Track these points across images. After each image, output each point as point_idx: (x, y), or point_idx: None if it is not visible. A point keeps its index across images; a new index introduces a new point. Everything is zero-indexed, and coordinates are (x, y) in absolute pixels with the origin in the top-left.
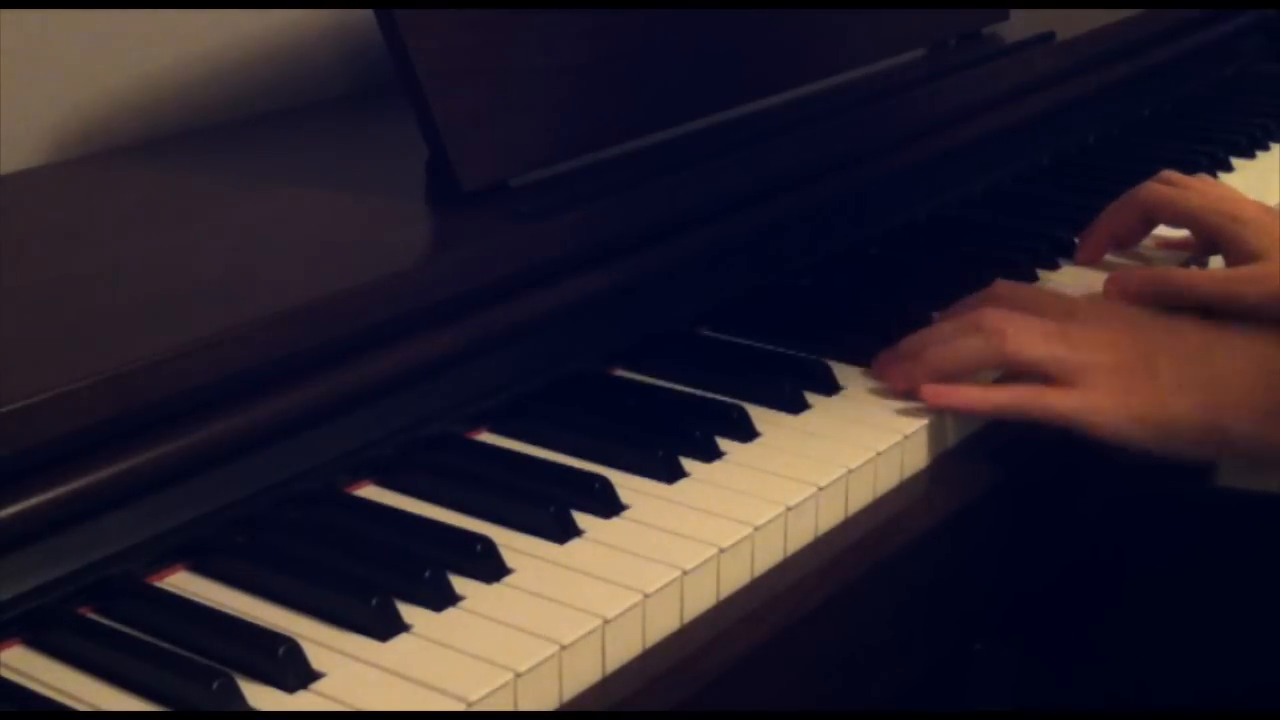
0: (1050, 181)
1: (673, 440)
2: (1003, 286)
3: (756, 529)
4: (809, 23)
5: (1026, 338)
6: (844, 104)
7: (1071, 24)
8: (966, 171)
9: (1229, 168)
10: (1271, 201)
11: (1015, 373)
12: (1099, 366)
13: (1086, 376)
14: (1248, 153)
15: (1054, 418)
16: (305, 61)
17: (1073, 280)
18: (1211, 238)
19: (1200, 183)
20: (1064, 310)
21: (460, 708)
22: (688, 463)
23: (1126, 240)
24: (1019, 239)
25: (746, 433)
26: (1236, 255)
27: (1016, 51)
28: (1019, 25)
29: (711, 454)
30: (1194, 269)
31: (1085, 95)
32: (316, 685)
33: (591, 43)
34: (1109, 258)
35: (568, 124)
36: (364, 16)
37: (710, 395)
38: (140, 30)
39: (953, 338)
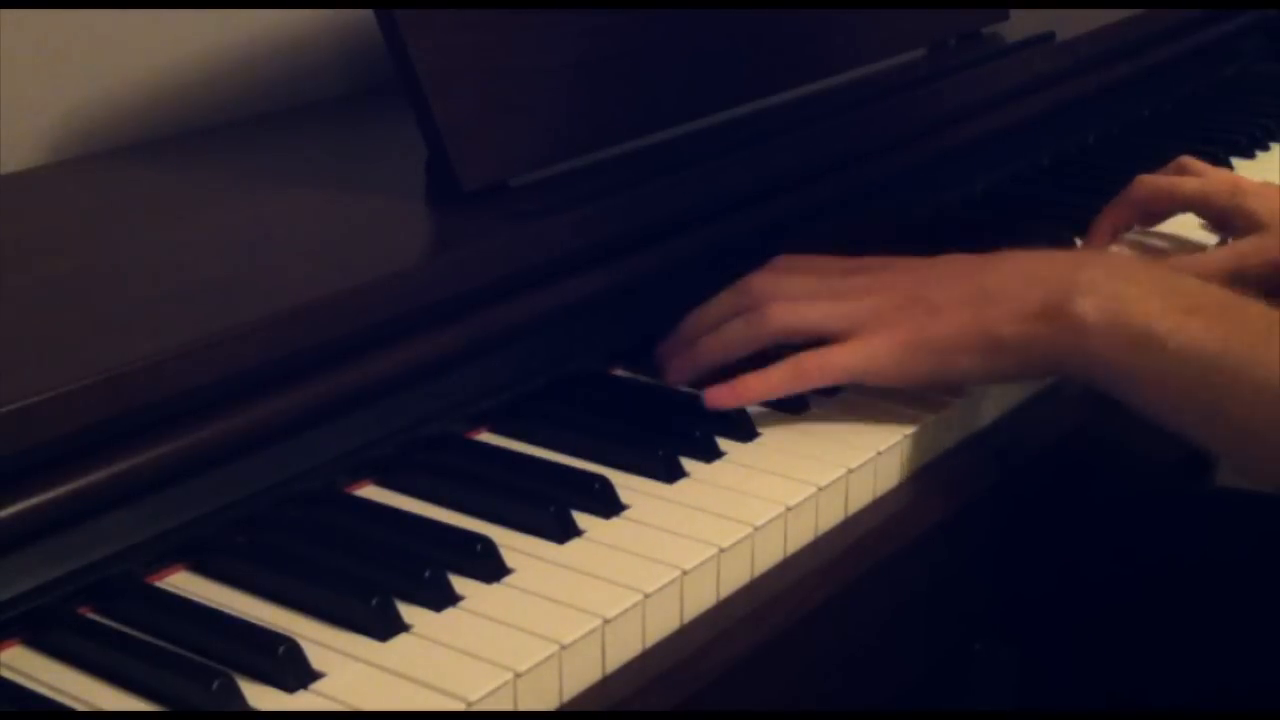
0: (1050, 181)
1: (673, 440)
2: (782, 258)
3: (756, 529)
4: (809, 23)
5: (790, 307)
6: (844, 104)
7: (1071, 24)
8: (966, 171)
9: (1229, 168)
10: None
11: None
12: (869, 311)
13: (860, 324)
14: (1248, 153)
15: (836, 375)
16: (305, 61)
17: None
18: (1216, 216)
19: (1198, 166)
20: (840, 269)
21: (460, 708)
22: (688, 463)
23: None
24: (1019, 239)
25: (746, 433)
26: (1242, 228)
27: (1016, 51)
28: (1019, 25)
29: (711, 454)
30: (1199, 254)
31: (1085, 95)
32: (316, 685)
33: (591, 43)
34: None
35: (568, 124)
36: (364, 16)
37: None
38: (140, 30)
39: (721, 319)
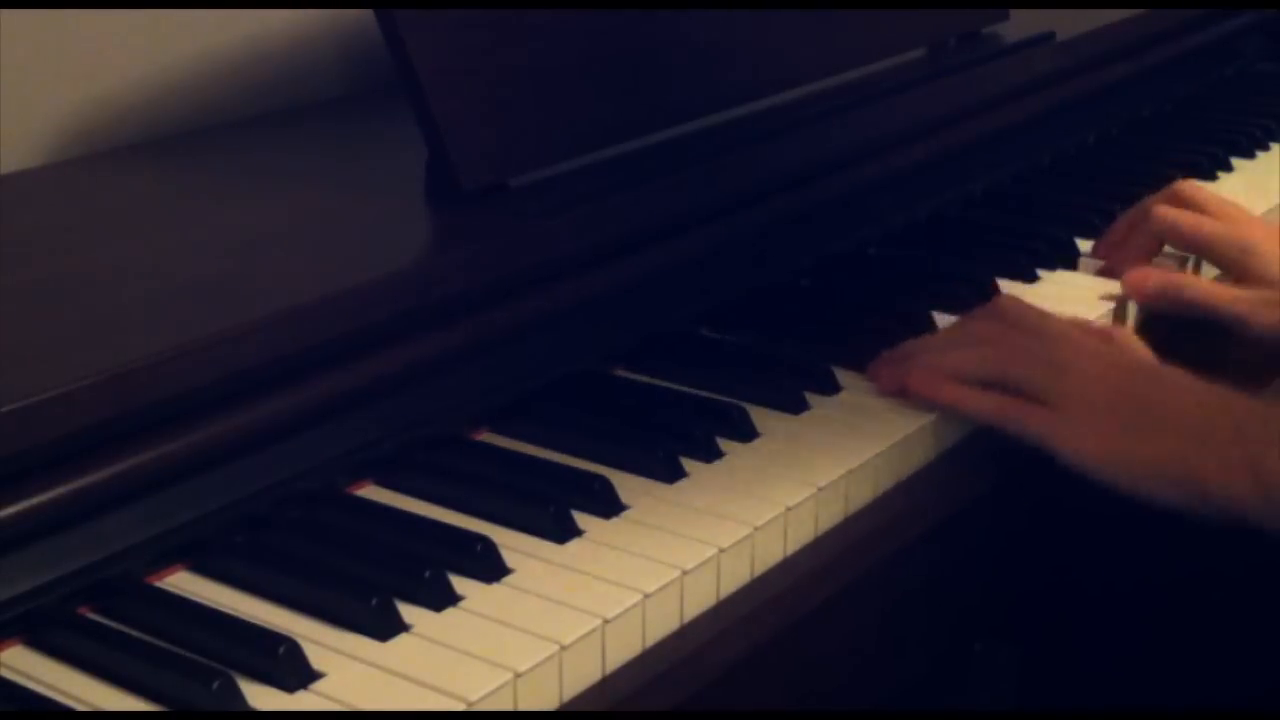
0: (1050, 181)
1: (673, 440)
2: (1007, 300)
3: (756, 529)
4: (809, 23)
5: (1015, 354)
6: (844, 104)
7: (1071, 24)
8: (966, 171)
9: (1229, 168)
10: (1271, 202)
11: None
12: (1081, 396)
13: (1068, 403)
14: (1248, 153)
15: (1028, 435)
16: (305, 61)
17: (1073, 280)
18: (1223, 267)
19: (1211, 200)
20: (1060, 333)
21: (460, 708)
22: (688, 463)
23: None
24: (1019, 239)
25: (746, 433)
26: (1247, 280)
27: (1016, 51)
28: (1019, 25)
29: (711, 454)
30: (1214, 283)
31: (1085, 95)
32: (316, 685)
33: (591, 43)
34: None
35: (568, 124)
36: (364, 16)
37: (710, 395)
38: (140, 30)
39: (945, 347)
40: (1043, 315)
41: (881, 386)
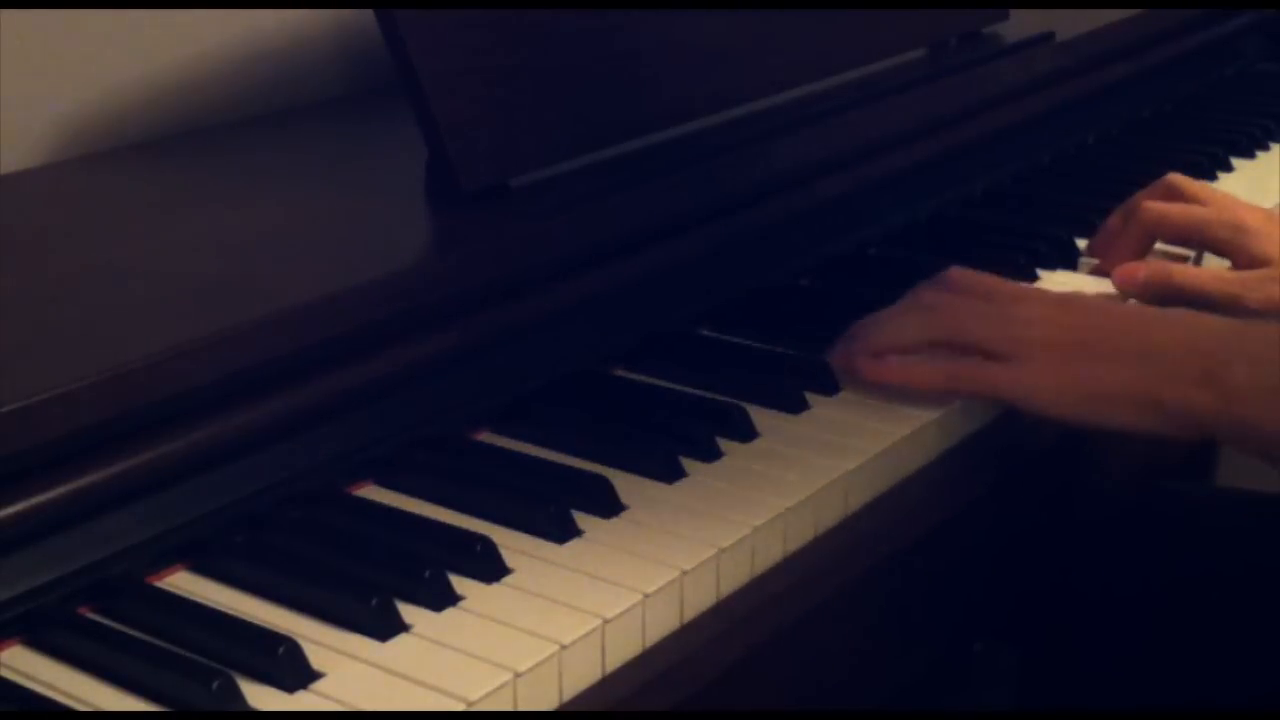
0: (1050, 181)
1: (673, 440)
2: (954, 271)
3: (756, 529)
4: (810, 23)
5: (963, 314)
6: (844, 104)
7: (1071, 24)
8: (966, 171)
9: (1229, 168)
10: (1271, 202)
11: (956, 351)
12: (1034, 342)
13: (1022, 352)
14: (1248, 153)
15: (988, 393)
16: (305, 61)
17: (1072, 280)
18: (1217, 250)
19: (1202, 191)
20: (1010, 295)
21: (460, 708)
22: (688, 463)
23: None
24: (1019, 239)
25: (746, 433)
26: (1242, 263)
27: (1016, 51)
28: (1019, 25)
29: (711, 454)
30: (1200, 269)
31: (1085, 95)
32: (316, 685)
33: (592, 42)
34: None
35: (568, 124)
36: (364, 16)
37: (710, 395)
38: (140, 30)
39: (890, 317)
40: (992, 278)
41: (834, 364)
